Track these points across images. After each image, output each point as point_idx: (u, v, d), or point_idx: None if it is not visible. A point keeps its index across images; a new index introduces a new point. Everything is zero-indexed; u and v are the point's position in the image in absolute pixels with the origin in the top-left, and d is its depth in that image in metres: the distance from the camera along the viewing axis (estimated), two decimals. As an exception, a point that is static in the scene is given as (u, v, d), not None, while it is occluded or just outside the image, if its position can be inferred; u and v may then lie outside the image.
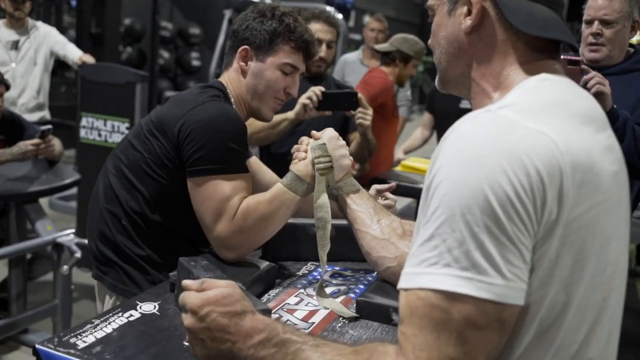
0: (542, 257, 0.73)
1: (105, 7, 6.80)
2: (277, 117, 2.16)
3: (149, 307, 1.25)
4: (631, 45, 2.41)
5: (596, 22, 2.29)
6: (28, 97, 4.28)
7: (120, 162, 1.57)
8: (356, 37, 11.55)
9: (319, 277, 1.53)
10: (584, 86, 2.07)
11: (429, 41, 0.98)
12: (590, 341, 0.79)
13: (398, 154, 4.14)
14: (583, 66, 2.08)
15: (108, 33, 6.79)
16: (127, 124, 3.52)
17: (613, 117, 2.12)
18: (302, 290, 1.42)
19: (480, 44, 0.89)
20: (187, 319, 0.91)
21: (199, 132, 1.43)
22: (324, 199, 1.41)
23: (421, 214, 0.78)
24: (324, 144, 1.44)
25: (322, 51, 2.61)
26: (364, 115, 2.38)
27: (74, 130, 4.17)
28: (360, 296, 1.32)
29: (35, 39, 4.29)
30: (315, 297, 1.37)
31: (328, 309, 1.32)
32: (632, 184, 2.37)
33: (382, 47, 3.66)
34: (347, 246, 1.51)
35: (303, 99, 2.27)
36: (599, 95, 2.06)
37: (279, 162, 1.90)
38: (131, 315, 1.21)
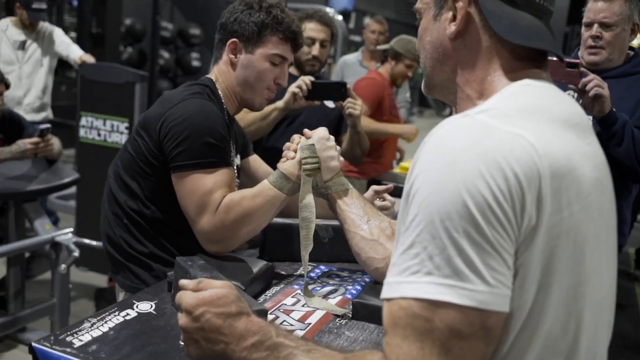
0: (524, 263, 0.71)
1: (106, 7, 6.80)
2: (267, 108, 2.16)
3: (145, 307, 1.25)
4: (631, 48, 2.41)
5: (596, 25, 2.29)
6: (33, 97, 4.32)
7: (118, 167, 1.63)
8: (356, 38, 11.55)
9: (316, 277, 1.53)
10: (583, 89, 2.07)
11: (416, 44, 0.97)
12: (576, 350, 0.77)
13: None
14: (582, 69, 2.08)
15: (109, 33, 6.80)
16: (126, 124, 3.52)
17: (612, 120, 2.13)
18: (298, 291, 1.42)
19: (464, 50, 0.88)
20: (182, 319, 0.92)
21: (177, 129, 1.48)
22: (309, 199, 1.42)
23: (401, 222, 0.76)
24: (313, 144, 1.44)
25: (316, 50, 2.61)
26: (354, 105, 2.38)
27: (74, 130, 4.17)
28: (356, 298, 1.32)
29: (42, 40, 4.33)
30: (303, 298, 1.37)
31: (318, 308, 1.32)
32: (632, 188, 2.39)
33: (383, 47, 3.78)
34: (344, 247, 1.51)
35: (293, 88, 2.28)
36: (597, 98, 2.06)
37: (273, 157, 1.89)
38: (128, 314, 1.21)
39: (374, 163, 3.62)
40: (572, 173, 0.75)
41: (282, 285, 1.45)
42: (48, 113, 4.44)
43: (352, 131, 2.50)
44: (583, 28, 2.36)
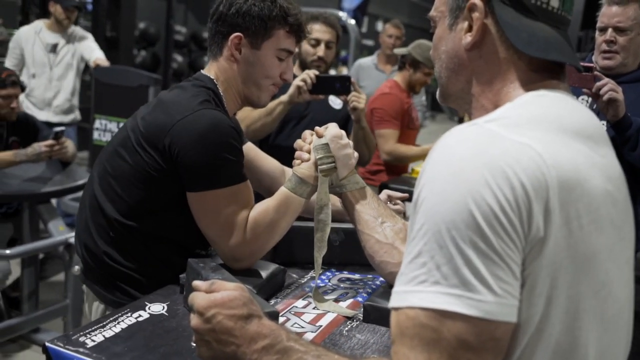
0: (532, 274, 0.70)
1: (121, 11, 6.86)
2: (271, 103, 2.14)
3: (157, 308, 1.26)
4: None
5: (610, 30, 2.28)
6: (62, 99, 4.41)
7: (106, 172, 1.48)
8: (369, 42, 11.55)
9: (327, 280, 1.53)
10: (597, 93, 2.06)
11: (431, 52, 0.96)
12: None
13: None
14: (596, 73, 2.07)
15: (123, 37, 6.85)
16: (139, 127, 3.55)
17: (626, 124, 2.11)
18: (309, 294, 1.42)
19: (480, 61, 0.86)
20: (194, 320, 0.92)
21: (191, 148, 1.36)
22: (325, 201, 1.39)
23: (410, 231, 0.76)
24: (327, 144, 1.41)
25: (321, 51, 2.62)
26: (358, 99, 2.37)
27: (88, 132, 4.22)
28: (367, 300, 1.32)
29: (73, 44, 4.42)
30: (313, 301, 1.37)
31: (328, 312, 1.32)
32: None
33: (400, 50, 3.65)
34: (355, 250, 1.51)
35: (297, 81, 2.27)
36: (611, 102, 2.05)
37: (280, 158, 1.88)
38: (140, 316, 1.22)
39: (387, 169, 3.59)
40: (582, 185, 0.74)
41: (293, 288, 1.46)
42: (76, 115, 4.52)
43: (357, 126, 2.48)
44: (597, 32, 2.35)
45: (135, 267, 1.47)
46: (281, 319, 1.26)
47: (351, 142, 1.45)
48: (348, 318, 1.30)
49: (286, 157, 1.78)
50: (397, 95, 3.51)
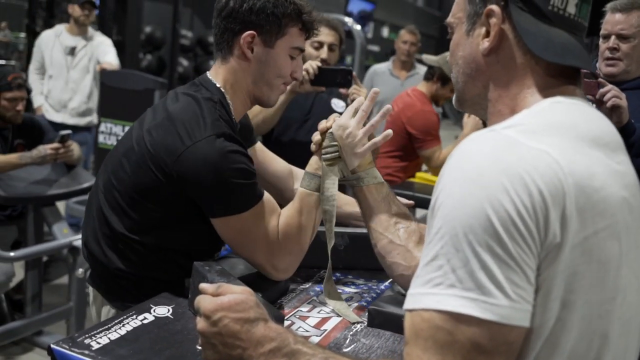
0: (547, 279, 0.71)
1: (127, 15, 6.88)
2: None
3: (163, 311, 1.27)
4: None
5: (613, 37, 2.28)
6: (79, 101, 4.47)
7: (111, 184, 1.45)
8: (374, 48, 11.56)
9: (331, 285, 1.53)
10: (601, 99, 2.06)
11: (448, 58, 0.97)
12: None
13: None
14: (600, 79, 2.08)
15: (129, 40, 6.87)
16: (144, 131, 3.56)
17: (630, 131, 2.11)
18: (314, 298, 1.42)
19: (497, 66, 0.87)
20: (200, 323, 0.92)
21: (203, 179, 1.32)
22: (331, 192, 1.37)
23: (427, 234, 0.77)
24: (331, 132, 1.37)
25: (324, 53, 2.63)
26: (358, 92, 2.38)
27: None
28: (372, 305, 1.32)
29: (91, 47, 4.48)
30: (323, 297, 1.36)
31: (333, 312, 1.32)
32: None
33: (429, 58, 3.48)
34: (360, 254, 1.52)
35: None
36: (615, 109, 2.05)
37: (286, 151, 1.88)
38: (145, 318, 1.22)
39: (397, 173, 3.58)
40: (598, 192, 0.74)
41: (298, 292, 1.46)
42: (92, 118, 4.54)
43: None
44: (600, 40, 2.35)
45: (141, 275, 1.45)
46: (286, 323, 1.26)
47: (362, 130, 1.37)
48: (352, 322, 1.31)
49: (289, 158, 1.78)
50: (429, 109, 3.47)
